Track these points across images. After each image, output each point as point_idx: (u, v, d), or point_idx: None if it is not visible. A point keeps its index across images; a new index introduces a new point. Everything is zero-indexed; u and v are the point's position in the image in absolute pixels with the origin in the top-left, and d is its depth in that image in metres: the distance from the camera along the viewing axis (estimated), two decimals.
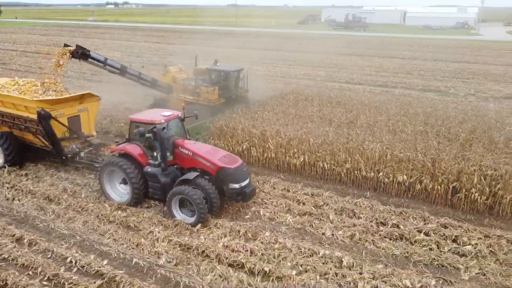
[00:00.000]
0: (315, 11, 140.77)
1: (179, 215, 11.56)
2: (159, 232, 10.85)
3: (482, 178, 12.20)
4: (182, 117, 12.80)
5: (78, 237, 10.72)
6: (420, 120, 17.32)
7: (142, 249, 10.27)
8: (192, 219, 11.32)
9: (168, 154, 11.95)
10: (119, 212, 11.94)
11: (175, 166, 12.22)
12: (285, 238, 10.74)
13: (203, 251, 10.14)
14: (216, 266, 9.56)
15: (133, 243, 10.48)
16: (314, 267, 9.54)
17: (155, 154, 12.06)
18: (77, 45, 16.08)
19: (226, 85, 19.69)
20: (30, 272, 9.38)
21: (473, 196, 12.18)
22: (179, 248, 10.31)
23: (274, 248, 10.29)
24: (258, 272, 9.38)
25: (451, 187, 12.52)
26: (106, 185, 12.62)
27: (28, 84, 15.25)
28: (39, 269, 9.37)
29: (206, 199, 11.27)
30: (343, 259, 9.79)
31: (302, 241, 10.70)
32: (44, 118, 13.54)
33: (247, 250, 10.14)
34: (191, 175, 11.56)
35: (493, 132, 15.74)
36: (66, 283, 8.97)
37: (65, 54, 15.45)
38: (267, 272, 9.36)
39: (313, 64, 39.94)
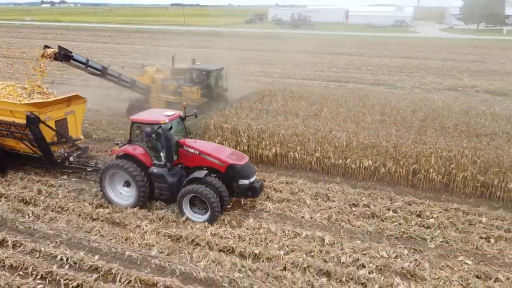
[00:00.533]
0: (260, 10, 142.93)
1: (190, 214, 11.59)
2: (146, 226, 11.10)
3: (438, 159, 13.60)
4: (183, 116, 12.76)
5: (64, 236, 10.72)
6: (377, 111, 18.69)
7: (132, 242, 10.49)
8: (204, 217, 11.39)
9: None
10: (102, 209, 11.99)
11: (180, 166, 12.22)
12: (268, 223, 11.42)
13: (193, 240, 10.55)
14: (209, 253, 10.02)
15: (122, 237, 10.66)
16: (300, 247, 10.29)
17: (160, 154, 11.93)
18: (59, 46, 15.54)
19: (207, 84, 19.79)
20: (21, 273, 9.32)
21: (431, 175, 13.55)
22: (169, 239, 10.64)
23: (260, 233, 10.93)
24: (249, 255, 9.97)
25: (411, 169, 13.82)
26: (107, 189, 12.29)
27: (9, 88, 14.59)
28: (30, 269, 9.33)
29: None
30: (324, 238, 10.65)
31: (284, 224, 11.44)
32: (34, 122, 12.94)
33: (235, 236, 10.70)
34: (201, 173, 11.53)
35: (442, 119, 17.42)
36: (62, 279, 9.04)
37: (49, 56, 14.98)
38: (257, 254, 9.99)
39: (267, 62, 40.98)
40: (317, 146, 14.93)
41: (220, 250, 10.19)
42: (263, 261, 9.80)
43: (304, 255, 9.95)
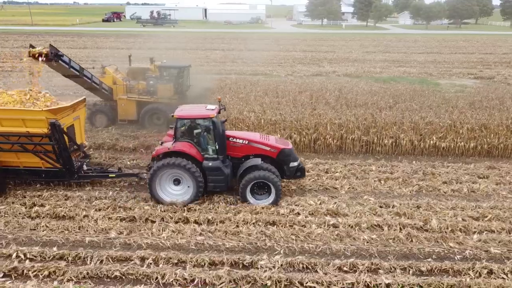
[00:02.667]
0: (110, 8, 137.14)
1: (252, 200, 12.09)
2: (94, 214, 11.39)
3: (332, 127, 16.60)
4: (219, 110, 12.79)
5: (9, 236, 10.41)
6: (271, 94, 21.22)
7: (87, 230, 10.75)
8: (269, 200, 12.05)
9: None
10: (37, 208, 11.72)
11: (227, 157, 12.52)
12: (206, 195, 12.72)
13: (147, 219, 11.31)
14: (168, 224, 10.96)
15: (74, 228, 10.81)
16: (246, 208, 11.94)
17: (208, 148, 12.15)
18: (50, 45, 14.33)
19: (179, 82, 19.54)
20: None
21: (327, 141, 16.47)
22: (123, 222, 11.17)
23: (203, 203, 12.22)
24: (203, 221, 11.23)
25: (312, 137, 16.55)
26: (158, 189, 12.00)
27: (15, 94, 12.81)
28: None
29: None
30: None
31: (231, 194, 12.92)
32: (59, 130, 11.77)
33: (186, 210, 11.77)
34: (257, 160, 12.15)
35: (325, 96, 20.79)
36: (30, 272, 9.05)
37: (39, 56, 13.69)
38: (210, 219, 11.30)
39: (141, 61, 40.74)
40: (232, 127, 16.63)
41: (176, 222, 11.19)
42: (216, 224, 11.16)
43: (250, 214, 11.62)
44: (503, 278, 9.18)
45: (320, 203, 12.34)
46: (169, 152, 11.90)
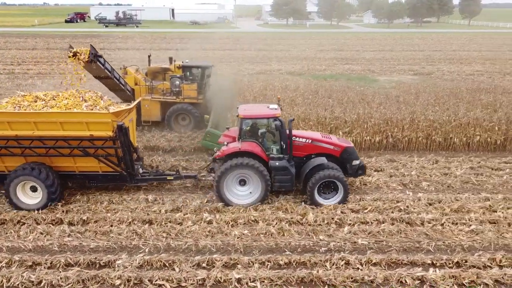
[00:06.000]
0: (82, 9, 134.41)
1: (320, 199, 11.93)
2: None
3: None
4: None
5: None
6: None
7: None
8: (336, 199, 11.94)
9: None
10: None
11: None
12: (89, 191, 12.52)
13: (19, 221, 11.05)
14: (36, 227, 10.69)
15: None
16: (127, 207, 11.78)
17: (272, 147, 12.06)
18: (91, 46, 14.35)
19: (202, 81, 19.19)
20: None
21: None
22: None
23: (87, 204, 12.01)
24: (77, 222, 11.02)
25: None
26: (225, 191, 11.78)
27: (67, 97, 12.11)
28: None
29: None
30: (148, 197, 12.35)
31: (112, 193, 12.71)
32: (126, 133, 11.48)
33: (64, 211, 11.53)
34: (322, 159, 12.03)
35: (245, 92, 20.74)
36: None
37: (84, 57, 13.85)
38: (85, 220, 11.09)
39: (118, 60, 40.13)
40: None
41: (48, 223, 10.93)
42: (91, 224, 10.97)
43: (130, 213, 11.47)
44: (358, 268, 9.31)
45: (206, 201, 12.30)
46: (234, 152, 11.69)
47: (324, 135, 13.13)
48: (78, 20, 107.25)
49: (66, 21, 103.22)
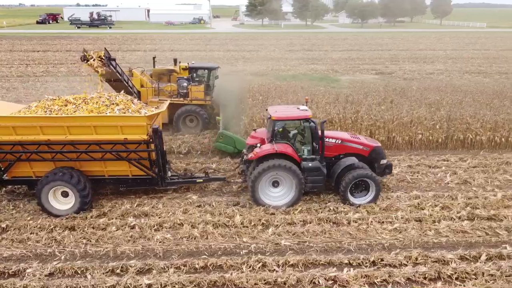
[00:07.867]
0: (56, 10, 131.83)
1: (352, 198, 11.97)
2: None
3: None
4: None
5: None
6: None
7: None
8: (368, 198, 12.03)
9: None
10: None
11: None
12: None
13: None
14: None
15: None
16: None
17: (302, 148, 12.10)
18: (105, 49, 14.44)
19: (209, 83, 19.10)
20: None
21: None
22: None
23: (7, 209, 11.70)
24: None
25: None
26: (260, 193, 11.74)
27: (92, 100, 11.83)
28: None
29: None
30: None
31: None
32: (160, 136, 11.44)
33: None
34: (353, 159, 12.13)
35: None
36: None
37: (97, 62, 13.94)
38: (5, 228, 10.78)
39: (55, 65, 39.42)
40: None
41: None
42: (10, 232, 10.67)
43: (54, 219, 11.21)
44: (274, 270, 9.27)
45: (136, 205, 12.11)
46: (267, 154, 11.61)
47: (352, 135, 13.28)
48: (50, 21, 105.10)
49: (38, 22, 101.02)
